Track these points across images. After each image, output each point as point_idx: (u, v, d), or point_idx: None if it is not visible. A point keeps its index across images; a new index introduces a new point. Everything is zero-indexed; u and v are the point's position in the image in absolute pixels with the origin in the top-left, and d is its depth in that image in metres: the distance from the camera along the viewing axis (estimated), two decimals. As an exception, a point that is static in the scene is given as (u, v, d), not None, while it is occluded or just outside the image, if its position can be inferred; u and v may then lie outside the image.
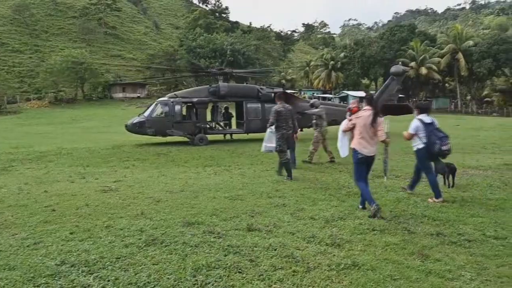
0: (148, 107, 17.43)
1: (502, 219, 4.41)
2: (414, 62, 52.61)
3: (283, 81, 67.05)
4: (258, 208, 5.15)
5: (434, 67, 53.39)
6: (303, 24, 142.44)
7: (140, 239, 3.84)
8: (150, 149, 14.89)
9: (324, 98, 54.98)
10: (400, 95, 41.56)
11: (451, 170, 6.37)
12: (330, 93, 64.80)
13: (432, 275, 2.96)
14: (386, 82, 20.13)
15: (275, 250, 3.50)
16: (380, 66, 56.50)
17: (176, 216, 4.74)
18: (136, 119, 16.80)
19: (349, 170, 8.49)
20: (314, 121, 10.71)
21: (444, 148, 5.47)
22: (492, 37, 54.95)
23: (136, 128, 16.60)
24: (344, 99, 62.42)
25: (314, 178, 7.53)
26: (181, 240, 3.78)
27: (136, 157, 12.45)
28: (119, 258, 3.39)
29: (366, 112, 5.11)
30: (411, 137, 5.77)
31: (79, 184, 7.41)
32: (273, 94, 17.52)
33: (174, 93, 18.01)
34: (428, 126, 5.57)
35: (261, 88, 17.71)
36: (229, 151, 13.61)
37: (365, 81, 68.21)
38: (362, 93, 61.75)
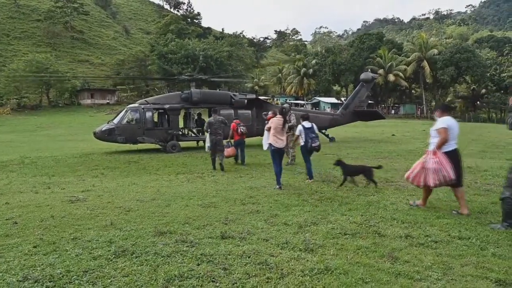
0: (117, 114, 17.00)
1: (465, 220, 4.60)
2: (382, 69, 54.49)
3: (256, 88, 67.40)
4: (232, 215, 5.12)
5: (401, 74, 55.51)
6: (276, 31, 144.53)
7: (109, 250, 3.70)
8: (121, 157, 14.50)
9: (296, 105, 55.79)
10: (369, 101, 42.89)
11: (366, 171, 7.30)
12: (303, 100, 65.86)
13: (401, 277, 3.04)
14: (356, 89, 20.70)
15: (249, 257, 3.48)
16: (351, 73, 58.08)
17: (147, 225, 4.62)
18: (105, 126, 16.34)
19: (322, 176, 8.65)
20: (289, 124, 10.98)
21: (314, 145, 7.64)
22: (454, 46, 57.92)
23: (105, 136, 16.13)
24: (317, 105, 63.65)
25: (287, 184, 7.58)
26: (153, 251, 3.68)
27: (105, 165, 12.08)
28: (87, 271, 3.25)
29: (278, 119, 7.49)
30: (297, 137, 7.93)
31: (44, 195, 7.09)
32: (246, 101, 17.62)
33: (145, 99, 17.68)
34: (306, 129, 7.68)
35: (234, 95, 17.71)
36: (202, 158, 13.48)
37: (336, 87, 69.85)
38: (334, 100, 63.41)
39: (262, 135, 13.78)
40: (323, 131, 19.85)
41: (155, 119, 17.15)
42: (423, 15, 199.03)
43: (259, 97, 20.08)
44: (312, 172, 7.94)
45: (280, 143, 7.36)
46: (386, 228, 4.36)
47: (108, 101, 61.52)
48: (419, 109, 60.36)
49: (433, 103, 62.38)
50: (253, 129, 15.84)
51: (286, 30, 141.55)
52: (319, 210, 5.32)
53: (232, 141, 11.57)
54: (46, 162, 13.39)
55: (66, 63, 69.82)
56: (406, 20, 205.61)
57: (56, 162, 13.39)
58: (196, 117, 19.27)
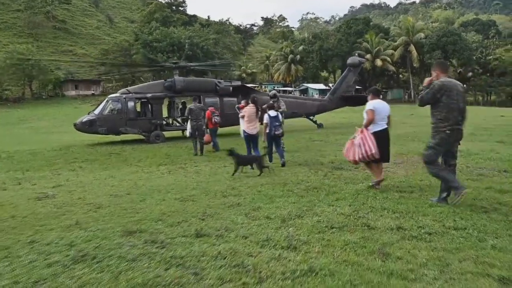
0: (99, 105, 16.35)
1: (460, 208, 4.30)
2: (369, 54, 54.12)
3: (244, 75, 66.54)
4: (210, 209, 4.72)
5: (388, 59, 55.26)
6: (262, 18, 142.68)
7: (67, 255, 3.28)
8: (102, 149, 13.96)
9: (284, 91, 55.26)
10: (357, 87, 42.60)
11: (256, 160, 7.55)
12: (291, 86, 65.32)
13: (394, 277, 2.70)
14: (343, 74, 20.33)
15: (225, 258, 3.10)
16: (338, 58, 57.58)
17: (116, 224, 4.20)
18: (85, 118, 15.72)
19: (308, 163, 8.29)
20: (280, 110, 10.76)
21: (277, 132, 8.17)
22: (440, 29, 57.75)
23: (86, 127, 15.53)
24: (305, 91, 63.20)
25: (272, 173, 7.21)
26: (117, 254, 3.28)
27: (84, 158, 11.56)
28: (38, 282, 2.83)
29: (250, 107, 8.41)
30: (266, 126, 8.15)
31: (12, 192, 6.58)
32: (231, 88, 17.11)
33: (127, 88, 17.01)
34: (272, 118, 8.13)
35: (218, 82, 17.17)
36: (186, 148, 13.02)
37: (324, 73, 69.39)
38: (322, 86, 63.08)
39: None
40: (311, 117, 19.50)
41: (138, 109, 16.57)
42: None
43: (245, 84, 19.56)
44: (283, 155, 8.56)
45: (253, 130, 8.20)
46: (376, 219, 4.03)
47: (93, 92, 60.04)
48: (407, 94, 60.46)
49: (420, 87, 62.51)
50: (238, 117, 15.23)
51: (273, 17, 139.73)
52: (305, 201, 4.96)
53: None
54: (24, 156, 12.81)
55: (49, 54, 67.74)
56: (392, 5, 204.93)
57: (34, 156, 12.82)
58: (180, 106, 18.71)
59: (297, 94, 58.31)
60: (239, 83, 18.53)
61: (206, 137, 11.59)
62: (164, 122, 16.83)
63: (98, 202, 5.36)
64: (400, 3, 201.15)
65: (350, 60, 20.11)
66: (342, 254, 3.11)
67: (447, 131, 4.51)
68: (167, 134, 16.49)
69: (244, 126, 8.22)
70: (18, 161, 11.64)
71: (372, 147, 5.33)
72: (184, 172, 8.00)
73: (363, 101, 21.44)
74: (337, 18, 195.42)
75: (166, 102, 17.73)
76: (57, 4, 77.00)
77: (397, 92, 61.44)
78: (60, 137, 20.25)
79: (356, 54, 23.93)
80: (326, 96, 20.86)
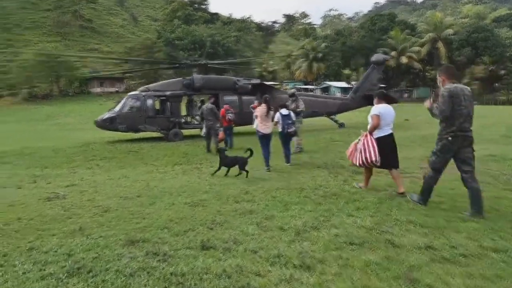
0: (119, 102, 16.41)
1: (498, 225, 3.81)
2: (394, 51, 52.53)
3: (265, 73, 66.11)
4: (221, 216, 4.43)
5: (415, 56, 53.44)
6: (284, 15, 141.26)
7: (63, 266, 3.06)
8: (122, 146, 13.98)
9: (306, 90, 54.49)
10: (381, 85, 41.38)
11: (240, 162, 7.23)
12: (312, 84, 64.39)
13: (423, 311, 2.32)
14: (367, 72, 19.63)
15: (229, 278, 2.79)
16: (361, 55, 56.21)
17: (120, 231, 3.97)
18: (106, 115, 15.82)
19: (328, 166, 7.88)
20: (298, 109, 10.45)
21: (289, 130, 8.19)
22: (471, 25, 55.32)
23: (107, 124, 15.62)
24: (326, 90, 62.13)
25: (289, 176, 6.86)
26: (115, 267, 3.03)
27: (103, 155, 11.56)
28: (27, 297, 2.63)
29: (262, 107, 8.22)
30: (275, 123, 8.25)
31: (26, 190, 6.53)
32: (250, 86, 16.80)
33: (146, 86, 17.00)
34: (284, 116, 8.17)
35: (237, 80, 16.89)
36: (204, 147, 12.79)
37: (347, 71, 67.98)
38: (344, 84, 61.88)
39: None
40: (333, 116, 18.96)
41: (157, 107, 16.53)
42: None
43: (264, 82, 19.21)
44: (290, 158, 8.59)
45: (266, 129, 8.17)
46: (402, 235, 3.61)
47: (117, 89, 61.16)
48: (433, 92, 58.40)
49: (426, 104, 60.20)
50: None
51: (295, 13, 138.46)
52: (322, 210, 4.59)
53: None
54: (45, 152, 12.97)
55: (76, 52, 69.55)
56: (419, 0, 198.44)
57: (56, 152, 12.95)
58: (199, 104, 18.55)
59: (318, 92, 57.36)
60: (258, 81, 18.18)
61: (220, 135, 11.70)
62: (183, 120, 16.71)
63: (106, 204, 5.18)
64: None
65: (374, 57, 19.38)
66: (362, 278, 2.74)
67: (449, 138, 4.42)
68: (185, 132, 16.39)
69: (258, 125, 8.28)
70: (40, 157, 11.76)
71: (372, 154, 5.27)
72: (198, 173, 7.77)
73: (388, 100, 20.78)
74: (360, 15, 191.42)
75: (185, 100, 17.62)
76: (84, 4, 78.88)
77: (423, 91, 59.35)
78: (83, 134, 20.54)
79: (381, 51, 23.06)
80: (348, 95, 20.21)
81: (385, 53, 24.65)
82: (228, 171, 7.27)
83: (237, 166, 7.17)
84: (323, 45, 64.17)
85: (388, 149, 5.38)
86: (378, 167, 5.45)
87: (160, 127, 15.73)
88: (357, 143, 5.51)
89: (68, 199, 5.67)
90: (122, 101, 15.97)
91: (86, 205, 5.21)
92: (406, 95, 59.61)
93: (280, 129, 8.25)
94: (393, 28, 55.49)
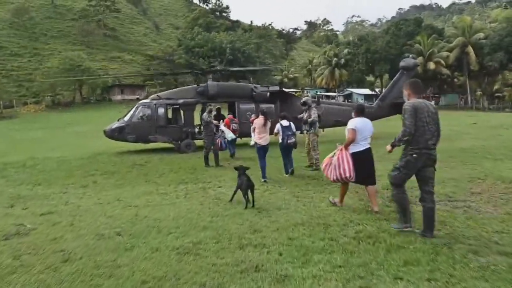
0: (129, 111, 15.59)
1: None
2: (421, 57, 50.26)
3: (286, 80, 64.98)
4: (214, 275, 3.24)
5: (442, 61, 51.00)
6: (306, 21, 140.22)
7: None
8: (129, 158, 13.10)
9: (327, 97, 52.93)
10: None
11: (248, 186, 5.84)
12: (334, 91, 62.73)
13: None
14: (395, 78, 18.12)
15: None
16: (386, 62, 54.21)
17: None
18: (115, 124, 15.03)
19: (357, 189, 6.58)
20: (310, 120, 9.41)
21: (289, 141, 8.16)
22: (504, 28, 52.34)
23: (116, 134, 14.82)
24: (349, 97, 60.30)
25: (310, 201, 5.61)
26: None
27: (105, 169, 10.66)
28: None
29: (260, 119, 8.41)
30: (276, 134, 8.33)
31: (-4, 218, 5.57)
32: (268, 94, 15.65)
33: (157, 94, 16.13)
34: (284, 128, 8.19)
35: (255, 87, 15.77)
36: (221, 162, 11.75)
37: (370, 78, 65.93)
38: (367, 91, 59.92)
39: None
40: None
41: (169, 116, 15.62)
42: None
43: (284, 90, 18.00)
44: (289, 168, 8.58)
45: (264, 141, 8.32)
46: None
47: (138, 96, 61.41)
48: (462, 99, 55.53)
49: (478, 93, 57.28)
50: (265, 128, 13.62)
51: (316, 20, 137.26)
52: (356, 265, 3.34)
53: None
54: (49, 164, 12.28)
55: (99, 60, 70.78)
56: (445, 5, 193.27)
57: (59, 165, 12.23)
58: (215, 113, 17.52)
59: (340, 99, 55.63)
60: (277, 88, 17.01)
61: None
62: (196, 130, 15.71)
63: (72, 248, 4.06)
64: (453, 3, 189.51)
65: (403, 62, 17.85)
66: None
67: (414, 155, 4.24)
68: (198, 143, 15.37)
69: (255, 138, 8.46)
70: (39, 171, 11.03)
71: (347, 169, 5.13)
72: (203, 196, 6.63)
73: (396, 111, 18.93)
74: (384, 21, 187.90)
75: (199, 108, 16.64)
76: (108, 13, 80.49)
77: (451, 98, 56.63)
78: (96, 143, 19.89)
79: (410, 56, 21.44)
80: (374, 103, 18.72)
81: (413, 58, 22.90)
82: (245, 195, 5.76)
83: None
84: (345, 51, 62.53)
85: (364, 164, 5.20)
86: (358, 183, 5.33)
87: (171, 138, 14.78)
88: (332, 157, 5.35)
89: (31, 236, 4.60)
90: (132, 110, 15.14)
91: (46, 249, 4.09)
92: (433, 102, 56.84)
93: (280, 140, 8.32)
94: (419, 33, 53.23)
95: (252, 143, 9.68)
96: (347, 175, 5.09)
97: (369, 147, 5.36)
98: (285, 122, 8.29)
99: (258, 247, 3.91)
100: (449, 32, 56.46)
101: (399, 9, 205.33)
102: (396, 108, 17.71)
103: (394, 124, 23.42)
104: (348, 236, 4.17)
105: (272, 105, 15.64)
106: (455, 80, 60.78)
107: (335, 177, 5.25)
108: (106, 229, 4.74)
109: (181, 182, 8.25)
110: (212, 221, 4.94)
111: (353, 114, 5.59)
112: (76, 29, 75.70)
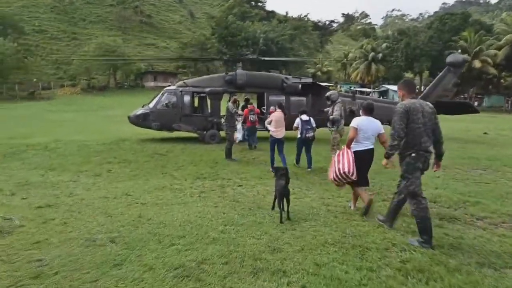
0: (155, 97, 15.10)
1: None
2: (466, 54, 47.01)
3: (319, 73, 63.15)
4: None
5: (490, 60, 47.49)
6: (343, 14, 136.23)
7: None
8: (151, 147, 12.63)
9: (361, 93, 50.81)
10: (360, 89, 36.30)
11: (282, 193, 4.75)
12: (369, 87, 60.30)
13: None
14: (440, 74, 16.54)
15: None
16: (427, 58, 51.28)
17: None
18: (140, 111, 14.57)
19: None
20: (331, 117, 8.89)
21: (308, 135, 8.32)
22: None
23: (140, 121, 14.38)
24: (384, 93, 57.72)
25: (342, 212, 4.71)
26: None
27: (124, 157, 10.18)
28: None
29: (278, 112, 8.67)
30: (295, 129, 8.49)
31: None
32: (300, 86, 14.66)
33: (184, 81, 15.51)
34: (303, 122, 8.37)
35: (286, 78, 14.80)
36: (240, 154, 11.00)
37: (409, 74, 62.82)
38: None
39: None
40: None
41: (194, 104, 14.99)
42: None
43: (317, 82, 16.89)
44: (311, 160, 8.65)
45: (279, 134, 8.47)
46: None
47: (169, 83, 61.86)
48: (509, 101, 51.70)
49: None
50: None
51: (354, 13, 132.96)
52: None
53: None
54: (70, 149, 12.01)
55: (134, 46, 71.91)
56: (493, 1, 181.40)
57: (79, 149, 11.93)
58: (243, 103, 16.77)
59: (375, 96, 53.31)
60: (310, 80, 15.95)
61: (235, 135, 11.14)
62: (222, 121, 15.01)
63: (52, 258, 3.39)
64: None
65: (450, 58, 16.24)
66: None
67: (412, 154, 4.08)
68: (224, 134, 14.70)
69: (271, 130, 8.55)
70: (58, 154, 10.77)
71: (346, 165, 4.89)
72: (219, 196, 5.88)
73: (466, 110, 17.32)
74: (426, 16, 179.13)
75: (227, 97, 15.92)
76: (145, 0, 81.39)
77: (496, 99, 52.81)
78: (123, 128, 19.70)
79: (459, 51, 19.63)
80: (415, 101, 17.25)
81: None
82: (279, 203, 4.68)
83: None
84: (384, 45, 59.80)
85: (362, 164, 5.00)
86: (353, 181, 4.98)
87: (196, 127, 14.16)
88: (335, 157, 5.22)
89: (14, 235, 3.98)
90: (158, 97, 14.63)
91: (22, 257, 3.42)
92: (476, 103, 53.35)
93: (298, 135, 8.50)
94: (466, 29, 49.78)
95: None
96: (346, 169, 4.84)
97: (372, 148, 5.11)
98: (304, 117, 8.46)
99: (276, 274, 3.09)
100: (498, 29, 52.42)
101: (443, 3, 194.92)
102: (439, 107, 16.18)
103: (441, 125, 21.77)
104: (392, 267, 3.27)
105: (304, 98, 14.66)
106: (502, 80, 56.67)
107: (334, 174, 5.00)
108: (101, 232, 4.08)
109: (199, 177, 7.55)
110: (224, 231, 4.16)
111: (361, 112, 5.42)
112: (113, 15, 77.14)
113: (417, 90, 55.71)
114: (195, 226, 4.29)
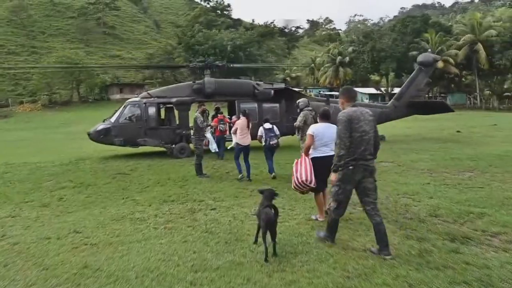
0: (116, 110, 13.92)
1: None
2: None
3: (288, 79, 63.21)
4: None
5: (451, 60, 49.11)
6: (308, 20, 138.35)
7: None
8: (114, 165, 11.47)
9: (331, 96, 51.11)
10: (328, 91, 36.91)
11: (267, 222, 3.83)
12: (338, 91, 60.93)
13: None
14: (412, 74, 16.38)
15: None
16: (392, 60, 52.40)
17: None
18: (100, 126, 13.37)
19: (397, 219, 4.85)
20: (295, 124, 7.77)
21: (272, 142, 8.58)
22: (515, 26, 50.49)
23: (101, 137, 13.18)
24: (353, 96, 58.33)
25: (338, 238, 3.91)
26: None
27: (81, 180, 9.01)
28: None
29: (242, 120, 8.85)
30: (260, 138, 8.66)
31: None
32: (272, 92, 13.94)
33: (148, 91, 14.44)
34: (266, 130, 8.63)
35: (257, 84, 14.05)
36: (213, 169, 10.09)
37: (375, 76, 64.08)
38: (372, 90, 58.15)
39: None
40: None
41: (160, 116, 13.94)
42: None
43: (289, 87, 16.27)
44: (274, 168, 8.75)
45: (245, 141, 8.63)
46: None
47: (136, 95, 59.70)
48: (469, 99, 53.61)
49: (487, 92, 55.40)
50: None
51: (318, 19, 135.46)
52: None
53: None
54: (20, 173, 10.69)
55: (98, 59, 69.37)
56: (447, 4, 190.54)
57: (32, 172, 10.64)
58: (213, 113, 15.83)
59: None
60: (282, 85, 15.27)
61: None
62: (191, 132, 14.01)
63: None
64: (456, 2, 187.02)
65: (421, 57, 16.12)
66: None
67: (350, 167, 3.96)
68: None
69: (236, 138, 8.66)
70: (4, 181, 9.51)
71: (303, 173, 4.86)
72: (189, 226, 4.95)
73: (441, 109, 17.21)
74: (386, 20, 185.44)
75: (195, 108, 14.95)
76: (108, 11, 79.13)
77: (459, 97, 54.63)
78: (84, 145, 18.24)
79: (429, 50, 19.71)
80: (389, 102, 16.95)
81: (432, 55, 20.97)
82: (263, 236, 3.81)
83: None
84: (350, 48, 60.72)
85: (323, 171, 4.88)
86: (313, 189, 4.99)
87: (163, 141, 13.10)
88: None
89: None
90: (120, 110, 13.48)
91: None
92: (329, 119, 54.63)
93: (263, 143, 8.61)
94: (427, 30, 51.31)
95: (213, 149, 10.63)
96: (303, 178, 4.78)
97: (331, 155, 4.67)
98: (267, 125, 8.71)
99: None
100: (458, 29, 54.47)
101: (401, 8, 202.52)
102: (414, 108, 16.01)
103: (414, 125, 21.78)
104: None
105: (277, 104, 13.96)
106: (463, 79, 58.88)
107: (293, 184, 4.93)
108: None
109: (166, 201, 6.57)
110: (195, 281, 3.21)
111: (318, 118, 5.51)
112: (75, 27, 74.34)
113: (382, 91, 56.81)
114: (156, 277, 3.32)
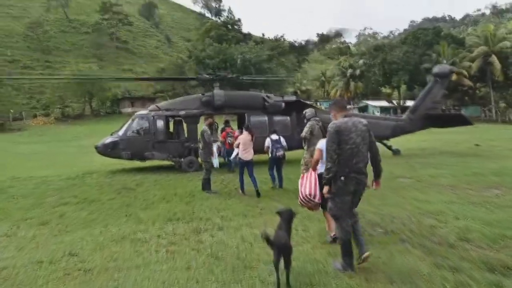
0: (124, 123, 13.72)
1: None
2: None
3: (298, 92, 63.04)
4: None
5: (465, 72, 48.30)
6: (317, 34, 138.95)
7: None
8: (120, 179, 11.20)
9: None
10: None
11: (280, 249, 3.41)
12: (350, 103, 60.40)
13: None
14: (428, 86, 15.85)
15: None
16: (404, 72, 51.80)
17: None
18: (108, 139, 13.16)
19: (422, 243, 4.35)
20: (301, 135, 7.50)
21: (278, 154, 8.76)
22: (530, 37, 49.59)
23: (109, 151, 12.95)
24: (364, 109, 57.81)
25: (357, 265, 3.45)
26: None
27: (85, 195, 8.71)
28: None
29: (245, 135, 8.61)
30: (267, 149, 8.86)
31: None
32: (283, 104, 13.59)
33: (156, 105, 14.23)
34: (273, 141, 8.84)
35: (267, 97, 13.71)
36: (221, 184, 9.71)
37: (386, 89, 63.44)
38: (384, 103, 57.45)
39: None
40: (385, 141, 15.21)
41: (169, 129, 13.67)
42: (478, 10, 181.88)
43: (301, 100, 15.90)
44: (282, 179, 8.95)
45: (248, 156, 8.45)
46: None
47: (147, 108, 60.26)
48: (484, 112, 52.46)
49: (502, 104, 54.17)
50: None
51: (328, 32, 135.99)
52: None
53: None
54: (25, 187, 10.48)
55: (111, 73, 70.43)
56: (458, 17, 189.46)
57: (37, 187, 10.42)
58: (223, 126, 15.53)
59: (355, 112, 53.20)
60: (293, 98, 14.91)
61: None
62: (200, 146, 13.69)
63: None
64: (467, 15, 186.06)
65: (437, 69, 15.62)
66: None
67: (341, 178, 3.88)
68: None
69: (239, 153, 8.54)
70: (7, 196, 9.27)
71: (308, 187, 4.72)
72: (194, 249, 4.53)
73: (459, 122, 16.52)
74: (396, 33, 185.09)
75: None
76: (121, 26, 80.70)
77: (473, 110, 53.54)
78: (93, 158, 18.09)
79: (445, 61, 19.19)
80: (404, 115, 16.41)
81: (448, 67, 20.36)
82: (276, 263, 3.37)
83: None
84: (361, 61, 60.40)
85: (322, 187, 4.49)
86: (319, 205, 4.81)
87: (171, 154, 12.79)
88: None
89: None
90: (128, 123, 13.27)
91: None
92: None
93: (269, 154, 8.75)
94: (440, 42, 50.72)
95: (215, 164, 9.89)
96: (307, 192, 4.70)
97: None
98: (274, 136, 8.86)
99: None
100: (471, 41, 53.73)
101: (411, 21, 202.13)
102: (430, 120, 15.43)
103: (429, 138, 21.02)
104: None
105: (287, 117, 13.58)
106: (477, 91, 57.81)
107: (299, 199, 4.85)
108: None
109: (171, 219, 6.18)
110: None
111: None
112: (89, 42, 75.91)
113: (394, 104, 56.05)
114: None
